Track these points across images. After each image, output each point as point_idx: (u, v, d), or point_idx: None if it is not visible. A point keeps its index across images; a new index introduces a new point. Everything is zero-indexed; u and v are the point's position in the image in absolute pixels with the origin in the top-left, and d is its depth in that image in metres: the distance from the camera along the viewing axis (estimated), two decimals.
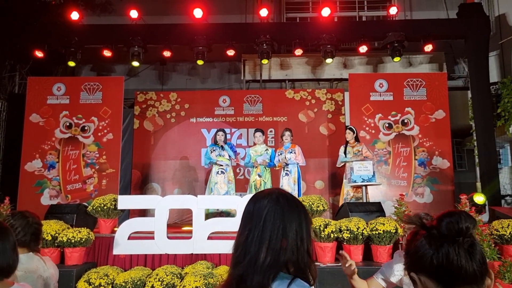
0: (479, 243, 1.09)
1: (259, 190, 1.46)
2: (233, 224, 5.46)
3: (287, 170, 7.07)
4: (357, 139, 7.24)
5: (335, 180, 8.61)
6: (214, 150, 7.22)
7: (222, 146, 7.16)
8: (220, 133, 7.27)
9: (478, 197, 6.59)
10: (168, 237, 5.43)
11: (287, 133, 7.22)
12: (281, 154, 7.14)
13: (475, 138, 8.32)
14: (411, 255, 1.12)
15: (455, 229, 1.07)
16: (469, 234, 1.08)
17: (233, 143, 8.59)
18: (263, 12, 8.09)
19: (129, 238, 5.44)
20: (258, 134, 7.34)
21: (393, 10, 8.33)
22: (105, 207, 5.81)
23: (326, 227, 5.16)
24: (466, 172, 10.10)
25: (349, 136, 7.17)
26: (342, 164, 7.11)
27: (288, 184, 6.99)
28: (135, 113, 9.15)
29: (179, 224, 7.73)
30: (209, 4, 8.40)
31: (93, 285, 4.67)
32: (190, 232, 5.51)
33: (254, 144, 7.49)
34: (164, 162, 9.00)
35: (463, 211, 1.14)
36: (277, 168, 7.29)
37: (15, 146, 8.31)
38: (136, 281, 4.70)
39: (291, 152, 7.08)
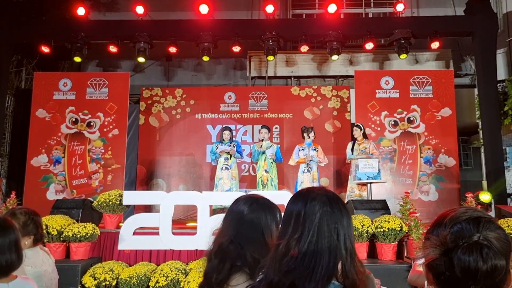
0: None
1: (303, 188, 1.35)
2: None
3: (309, 167, 7.08)
4: (365, 136, 7.22)
5: (340, 177, 8.60)
6: (218, 147, 7.23)
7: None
8: (226, 131, 7.26)
9: (484, 195, 6.55)
10: (173, 233, 5.45)
11: (311, 132, 7.27)
12: (303, 149, 7.15)
13: (481, 136, 8.27)
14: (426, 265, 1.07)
15: (472, 273, 0.95)
16: (497, 277, 0.95)
17: (239, 139, 8.60)
18: (269, 9, 8.06)
19: (134, 233, 5.46)
20: (264, 130, 7.34)
21: (399, 7, 8.27)
22: (110, 203, 5.83)
23: None
24: (472, 171, 10.05)
25: (357, 133, 7.15)
26: (349, 160, 7.11)
27: (308, 180, 7.00)
28: (141, 109, 9.17)
29: (184, 220, 7.75)
30: (215, 0, 8.38)
31: (98, 280, 4.70)
32: (195, 228, 5.53)
33: (260, 140, 7.47)
34: (169, 158, 9.02)
35: (481, 220, 1.00)
36: (293, 164, 7.27)
37: (21, 141, 8.36)
38: (141, 276, 4.72)
39: (314, 149, 7.13)
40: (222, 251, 1.56)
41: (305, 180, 7.02)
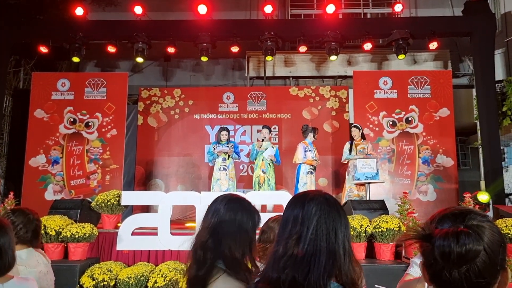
0: (486, 259, 0.97)
1: (298, 192, 1.39)
2: None
3: (312, 169, 7.08)
4: (363, 136, 7.22)
5: (338, 177, 8.60)
6: (216, 147, 7.21)
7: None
8: (224, 132, 7.22)
9: (482, 195, 6.56)
10: (171, 233, 5.44)
11: (317, 134, 7.26)
12: (310, 151, 7.08)
13: (479, 136, 8.28)
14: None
15: (450, 258, 0.98)
16: (470, 259, 0.97)
17: (237, 140, 8.59)
18: (268, 9, 8.07)
19: (133, 233, 5.46)
20: (265, 130, 7.31)
21: (398, 7, 8.27)
22: (108, 203, 5.82)
23: None
24: (470, 171, 10.06)
25: (356, 133, 7.14)
26: (347, 161, 7.10)
27: (312, 182, 7.00)
28: (139, 109, 9.17)
29: (182, 220, 7.74)
30: (213, 0, 8.39)
31: (96, 280, 4.69)
32: (193, 228, 5.52)
33: (260, 140, 7.45)
34: (168, 159, 9.01)
35: (469, 213, 1.03)
36: (299, 163, 7.13)
37: (19, 141, 8.35)
38: (139, 276, 4.71)
39: (315, 150, 7.14)
40: (202, 246, 1.60)
41: (309, 181, 7.00)
